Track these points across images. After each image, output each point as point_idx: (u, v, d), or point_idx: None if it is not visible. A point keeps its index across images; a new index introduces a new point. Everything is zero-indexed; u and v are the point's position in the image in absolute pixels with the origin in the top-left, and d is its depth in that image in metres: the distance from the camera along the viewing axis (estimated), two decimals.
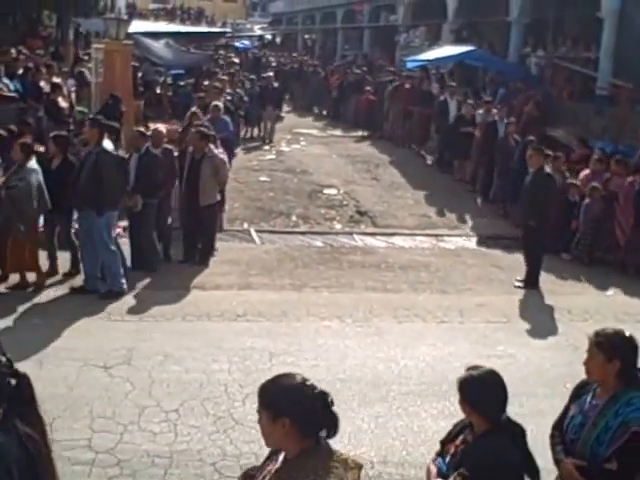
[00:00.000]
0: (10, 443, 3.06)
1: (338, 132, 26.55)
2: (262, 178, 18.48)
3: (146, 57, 23.44)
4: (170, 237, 12.19)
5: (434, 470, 4.43)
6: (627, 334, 4.56)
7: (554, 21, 24.77)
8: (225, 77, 22.54)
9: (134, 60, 19.58)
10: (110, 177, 10.13)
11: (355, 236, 14.68)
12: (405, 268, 12.70)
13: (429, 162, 21.47)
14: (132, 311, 9.96)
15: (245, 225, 14.76)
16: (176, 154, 12.33)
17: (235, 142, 17.57)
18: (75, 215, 11.04)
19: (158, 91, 21.47)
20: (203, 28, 42.08)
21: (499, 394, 4.31)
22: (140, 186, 11.03)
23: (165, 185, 11.63)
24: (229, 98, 19.42)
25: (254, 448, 6.78)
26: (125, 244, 11.44)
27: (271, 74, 25.15)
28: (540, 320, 10.59)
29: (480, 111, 18.72)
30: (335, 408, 3.29)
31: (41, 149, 11.36)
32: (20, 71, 18.36)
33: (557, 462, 4.63)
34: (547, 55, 23.77)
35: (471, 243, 14.70)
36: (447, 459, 4.43)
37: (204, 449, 6.81)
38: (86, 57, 21.39)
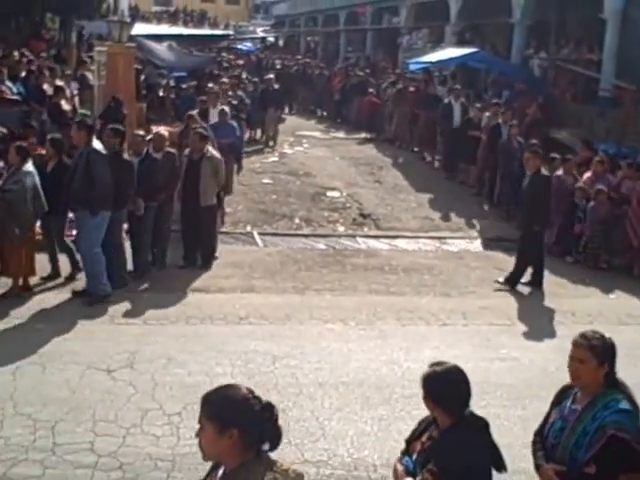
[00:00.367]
0: None
1: (341, 134, 26.51)
2: (265, 180, 18.47)
3: (149, 60, 23.46)
4: (168, 241, 12.09)
5: (401, 469, 4.41)
6: (607, 336, 4.58)
7: (557, 23, 24.76)
8: (227, 80, 22.54)
9: (137, 63, 19.58)
10: (102, 176, 10.04)
11: (358, 239, 14.67)
12: (408, 271, 12.69)
13: (437, 165, 21.34)
14: (135, 314, 9.95)
15: (248, 228, 14.74)
16: None
17: (241, 147, 17.54)
18: (70, 218, 11.04)
19: (161, 94, 21.46)
20: (206, 30, 42.12)
21: (463, 389, 4.30)
22: (141, 190, 11.00)
23: (167, 188, 11.60)
24: (234, 102, 19.35)
25: None
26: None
27: (272, 76, 25.12)
28: (544, 323, 10.57)
29: (487, 114, 18.56)
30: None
31: (43, 152, 11.36)
32: (23, 74, 18.37)
33: (537, 468, 4.62)
34: (550, 57, 23.75)
35: (474, 246, 14.69)
36: (414, 457, 4.41)
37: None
38: (89, 60, 21.37)
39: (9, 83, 16.77)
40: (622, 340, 10.17)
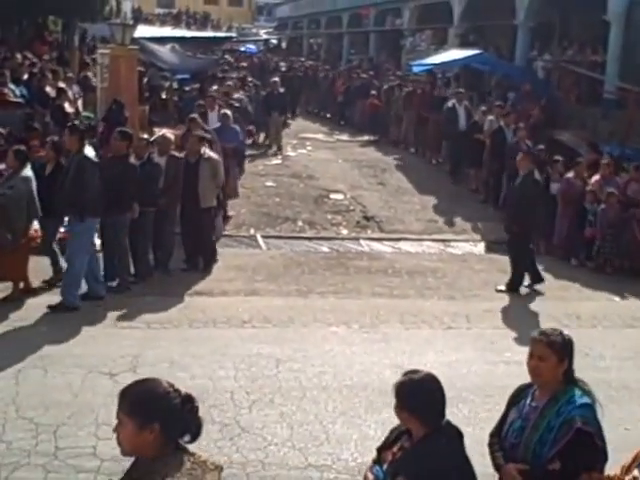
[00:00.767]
0: None
1: (344, 137, 26.46)
2: (268, 183, 18.44)
3: (152, 62, 23.40)
4: (172, 244, 12.05)
5: (371, 478, 4.35)
6: (566, 332, 4.56)
7: (560, 24, 24.76)
8: (231, 83, 22.50)
9: (140, 65, 19.53)
10: (92, 183, 9.94)
11: (362, 241, 14.65)
12: (412, 273, 12.65)
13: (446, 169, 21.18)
14: (138, 318, 9.91)
15: (251, 231, 14.72)
16: None
17: (244, 150, 17.48)
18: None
19: (164, 96, 21.43)
20: (209, 33, 42.05)
21: (438, 398, 4.17)
22: (139, 195, 10.94)
23: (167, 193, 11.54)
24: (236, 105, 19.28)
25: (260, 456, 6.76)
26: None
27: (277, 79, 25.03)
28: (548, 326, 10.43)
29: (490, 117, 18.31)
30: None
31: (43, 154, 11.33)
32: (25, 76, 18.36)
33: (498, 468, 4.54)
34: (554, 59, 23.71)
35: (478, 248, 14.66)
36: (384, 467, 4.31)
37: (210, 457, 6.70)
38: (91, 62, 21.38)
39: (12, 86, 16.75)
40: (628, 344, 10.19)
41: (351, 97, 27.99)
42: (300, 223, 15.60)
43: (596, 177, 14.46)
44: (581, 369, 7.61)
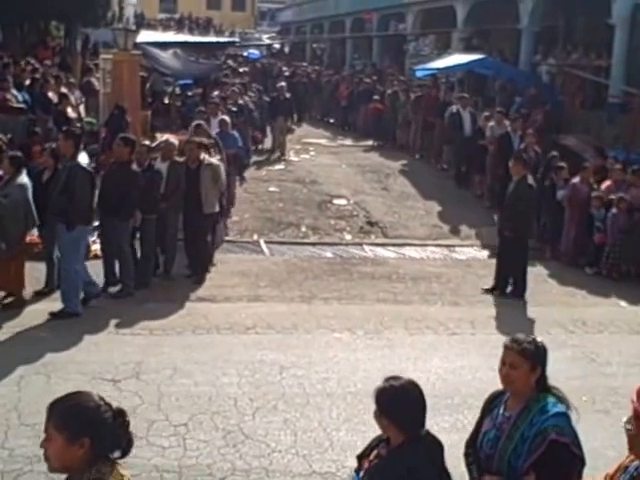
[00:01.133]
0: None
1: (348, 142, 26.42)
2: (271, 188, 18.39)
3: (154, 67, 23.41)
4: (175, 250, 11.98)
5: None
6: (539, 339, 4.49)
7: (565, 28, 24.70)
8: (235, 88, 22.46)
9: (142, 70, 19.54)
10: (82, 192, 9.81)
11: (365, 247, 14.59)
12: (416, 279, 12.60)
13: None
14: (141, 324, 9.86)
15: (255, 236, 14.68)
16: None
17: (244, 157, 17.36)
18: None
19: (166, 101, 21.41)
20: (211, 38, 42.05)
21: (420, 405, 4.10)
22: (140, 202, 10.88)
23: (169, 199, 11.48)
24: (234, 109, 19.18)
25: (264, 463, 6.71)
26: None
27: (283, 84, 24.91)
28: (554, 332, 10.45)
29: (491, 123, 18.15)
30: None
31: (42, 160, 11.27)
32: (28, 82, 18.35)
33: None
34: (558, 63, 23.65)
35: (483, 254, 14.58)
36: (361, 475, 4.25)
37: (213, 464, 6.70)
38: (94, 67, 21.37)
39: (14, 91, 16.73)
40: (635, 350, 10.11)
41: (354, 102, 27.94)
42: (303, 228, 15.55)
43: (607, 182, 14.36)
44: (587, 375, 7.57)
